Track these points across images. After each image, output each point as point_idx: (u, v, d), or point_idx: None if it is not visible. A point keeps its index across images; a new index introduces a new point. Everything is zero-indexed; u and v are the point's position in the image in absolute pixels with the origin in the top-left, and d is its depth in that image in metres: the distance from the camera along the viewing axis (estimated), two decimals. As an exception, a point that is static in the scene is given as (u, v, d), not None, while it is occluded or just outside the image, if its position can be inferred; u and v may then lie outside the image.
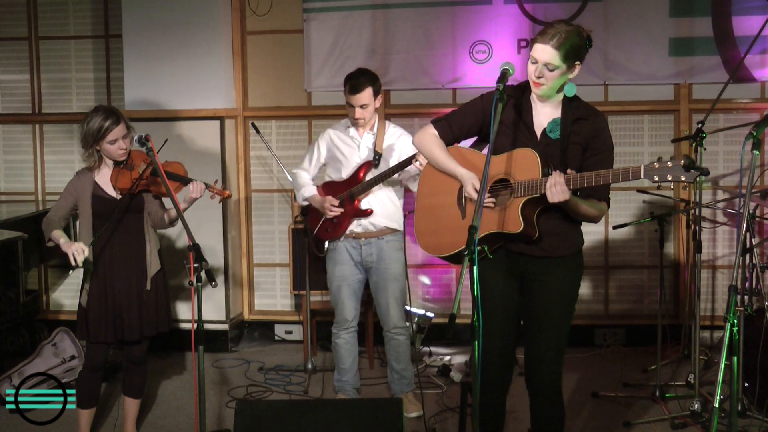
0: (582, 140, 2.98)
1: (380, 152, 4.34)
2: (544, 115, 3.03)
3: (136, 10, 5.54)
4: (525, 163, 2.92)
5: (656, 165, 2.68)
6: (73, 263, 3.69)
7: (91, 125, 3.76)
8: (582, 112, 3.00)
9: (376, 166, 4.31)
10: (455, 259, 3.12)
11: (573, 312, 3.10)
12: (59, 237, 3.78)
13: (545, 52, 2.88)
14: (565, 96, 3.01)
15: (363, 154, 4.37)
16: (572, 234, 3.07)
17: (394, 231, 4.40)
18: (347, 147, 4.39)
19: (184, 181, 3.91)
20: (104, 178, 3.88)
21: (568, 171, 2.84)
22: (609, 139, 3.03)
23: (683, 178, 2.62)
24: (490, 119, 3.02)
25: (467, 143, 3.24)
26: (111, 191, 3.86)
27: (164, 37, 5.53)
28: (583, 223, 3.11)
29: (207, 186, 3.94)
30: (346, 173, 4.38)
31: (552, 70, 2.90)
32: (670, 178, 2.65)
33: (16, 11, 6.08)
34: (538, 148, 2.95)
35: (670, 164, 2.65)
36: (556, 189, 2.79)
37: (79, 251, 3.67)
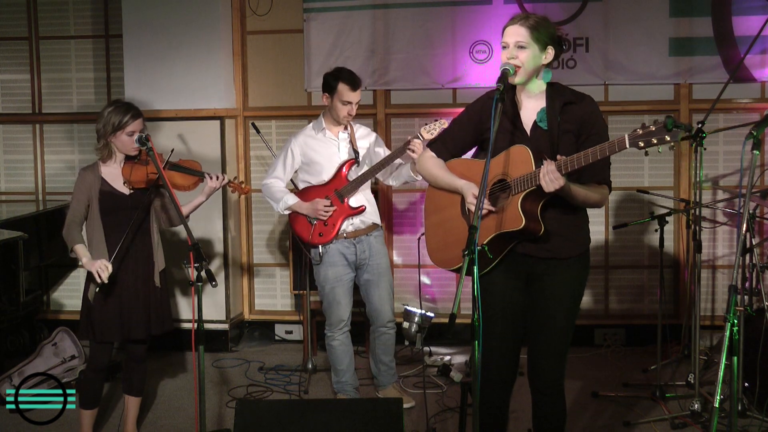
0: (573, 127, 2.97)
1: (357, 149, 4.37)
2: (531, 108, 3.04)
3: (136, 10, 5.54)
4: (518, 159, 2.92)
5: (639, 131, 2.66)
6: (99, 281, 3.65)
7: (111, 116, 3.77)
8: (569, 97, 3.01)
9: (358, 163, 4.34)
10: None
11: (578, 312, 3.11)
12: (82, 255, 3.73)
13: (514, 32, 2.94)
14: (547, 84, 3.03)
15: (343, 154, 4.38)
16: (579, 234, 3.06)
17: (377, 226, 4.45)
18: (326, 148, 4.39)
19: (200, 174, 3.95)
20: (112, 174, 3.86)
21: (558, 157, 2.83)
22: (600, 120, 3.02)
23: (668, 138, 2.60)
24: (481, 126, 3.05)
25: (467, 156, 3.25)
26: (119, 186, 3.85)
27: (164, 37, 5.53)
28: (590, 223, 3.12)
29: (229, 181, 3.99)
30: (327, 175, 4.37)
31: (523, 48, 2.92)
32: (655, 142, 2.63)
33: (16, 11, 6.07)
34: (531, 142, 2.95)
35: (653, 128, 2.63)
36: (550, 177, 2.78)
37: (103, 268, 3.64)
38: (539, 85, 3.03)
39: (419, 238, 4.80)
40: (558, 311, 3.04)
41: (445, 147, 3.19)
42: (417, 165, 3.29)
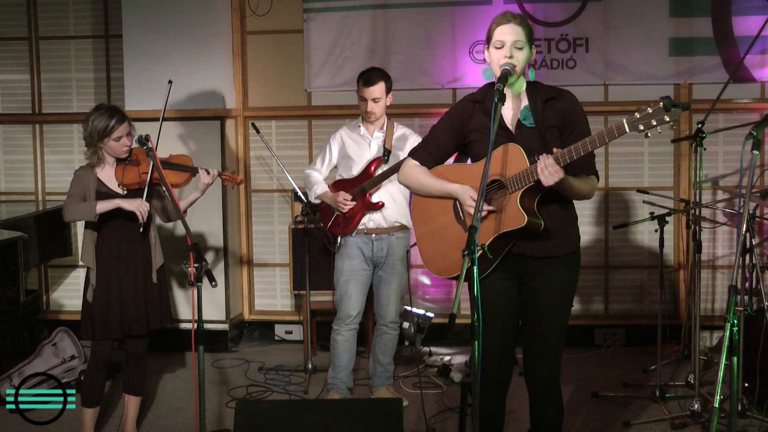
0: (557, 121, 2.99)
1: (389, 149, 4.43)
2: (513, 108, 3.05)
3: (136, 10, 5.54)
4: (511, 158, 2.92)
5: (637, 115, 2.67)
6: (141, 220, 3.77)
7: (97, 123, 3.79)
8: (549, 93, 3.03)
9: (386, 161, 4.41)
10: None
11: (570, 309, 3.12)
12: (113, 202, 3.78)
13: (512, 31, 2.93)
14: (527, 83, 3.05)
15: (373, 152, 4.46)
16: (570, 232, 3.07)
17: (403, 228, 4.47)
18: (358, 145, 4.49)
19: (192, 170, 3.99)
20: (106, 175, 3.89)
21: (554, 150, 2.83)
22: (582, 113, 3.04)
23: (667, 119, 2.62)
24: (463, 130, 3.06)
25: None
26: (114, 187, 3.88)
27: (164, 37, 5.53)
28: (579, 220, 3.13)
29: (219, 173, 4.04)
30: (356, 170, 4.46)
31: (520, 48, 2.93)
32: (654, 123, 2.64)
33: (16, 11, 6.08)
34: (517, 140, 2.96)
35: (650, 110, 2.65)
36: (549, 170, 2.78)
37: (143, 209, 3.76)
38: (522, 85, 3.05)
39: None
40: (552, 309, 3.04)
41: (429, 154, 3.16)
42: (400, 176, 3.23)
